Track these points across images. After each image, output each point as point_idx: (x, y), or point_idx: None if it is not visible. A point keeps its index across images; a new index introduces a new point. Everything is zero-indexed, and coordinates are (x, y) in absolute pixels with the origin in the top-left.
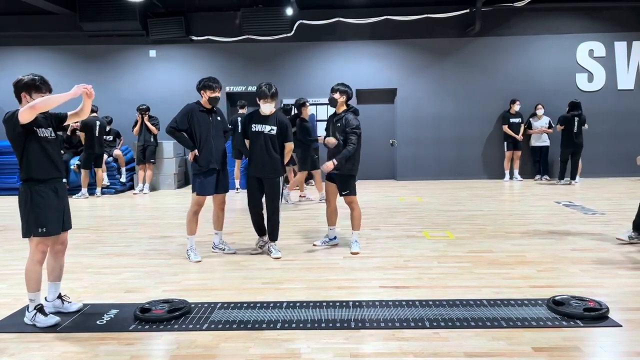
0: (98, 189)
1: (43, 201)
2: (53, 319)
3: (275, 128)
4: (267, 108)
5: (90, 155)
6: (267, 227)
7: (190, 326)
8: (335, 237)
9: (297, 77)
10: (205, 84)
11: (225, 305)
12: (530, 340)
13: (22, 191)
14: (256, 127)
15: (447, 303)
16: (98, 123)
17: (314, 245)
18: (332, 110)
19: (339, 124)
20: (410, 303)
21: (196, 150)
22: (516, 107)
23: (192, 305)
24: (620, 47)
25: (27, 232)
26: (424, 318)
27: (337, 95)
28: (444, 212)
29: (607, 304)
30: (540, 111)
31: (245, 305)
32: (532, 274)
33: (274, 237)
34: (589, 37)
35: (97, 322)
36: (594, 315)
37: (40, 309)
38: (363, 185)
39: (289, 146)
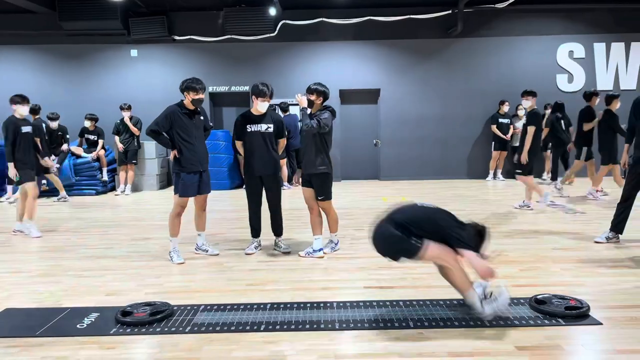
0: (62, 192)
1: None
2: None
3: (272, 126)
4: (263, 107)
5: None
6: (271, 223)
7: (173, 329)
8: (321, 249)
9: (281, 77)
10: (188, 86)
11: (209, 307)
12: (513, 339)
13: None
14: (252, 127)
15: (431, 303)
16: (45, 125)
17: (299, 255)
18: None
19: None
20: (395, 303)
21: (175, 151)
22: (505, 108)
23: (175, 308)
24: (599, 48)
25: None
26: (408, 318)
27: (313, 97)
28: None
29: (588, 302)
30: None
31: (228, 307)
32: (515, 273)
33: (280, 232)
34: (569, 38)
35: (77, 326)
36: (575, 313)
37: None
38: (346, 185)
39: (283, 142)
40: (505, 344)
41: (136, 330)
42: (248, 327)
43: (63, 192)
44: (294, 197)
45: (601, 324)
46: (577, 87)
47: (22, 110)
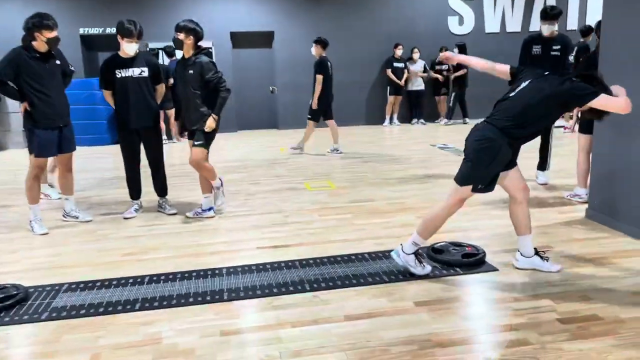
0: None
1: None
2: None
3: (145, 69)
4: (131, 48)
5: None
6: (154, 182)
7: (26, 317)
8: (211, 208)
9: (163, 17)
10: (38, 23)
11: (73, 286)
12: (411, 295)
13: None
14: (122, 73)
15: (328, 260)
16: None
17: (186, 216)
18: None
19: (191, 71)
20: (290, 264)
21: (26, 103)
22: (399, 52)
23: (31, 290)
24: None
25: None
26: (304, 280)
27: (181, 36)
28: (326, 161)
29: (484, 248)
30: (416, 55)
31: (97, 284)
32: (412, 221)
33: (165, 192)
34: None
35: None
36: (472, 261)
37: None
38: (243, 136)
39: (161, 88)
40: (403, 301)
41: None
42: (120, 307)
43: None
44: (185, 152)
45: (497, 269)
46: (467, 30)
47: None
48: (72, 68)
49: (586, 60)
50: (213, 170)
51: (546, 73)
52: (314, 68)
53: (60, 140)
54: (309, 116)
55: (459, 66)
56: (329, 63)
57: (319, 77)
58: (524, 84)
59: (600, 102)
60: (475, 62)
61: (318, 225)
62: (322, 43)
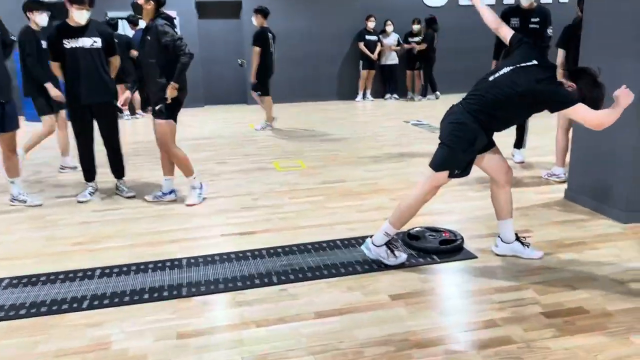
0: None
1: None
2: None
3: (98, 40)
4: (82, 17)
5: None
6: (109, 163)
7: None
8: (172, 192)
9: None
10: None
11: (15, 281)
12: (386, 287)
13: None
14: (72, 43)
15: (297, 249)
16: None
17: (145, 199)
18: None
19: (149, 37)
20: (257, 253)
21: None
22: (371, 24)
23: None
24: None
25: None
26: (271, 272)
27: (141, 0)
28: (297, 139)
29: (461, 232)
30: (389, 28)
31: (42, 278)
32: (385, 204)
33: (122, 173)
34: None
35: None
36: (450, 248)
37: None
38: (209, 111)
39: (116, 61)
40: (378, 294)
41: None
42: (66, 306)
43: None
44: (149, 127)
45: (476, 257)
46: (441, 2)
47: (40, 20)
48: (13, 37)
49: (563, 33)
50: (185, 160)
51: (533, 62)
52: (252, 39)
53: (2, 117)
54: (259, 93)
55: (424, 39)
56: (269, 34)
57: (256, 49)
58: (505, 70)
59: (576, 114)
60: (483, 12)
61: (288, 209)
62: (262, 12)
